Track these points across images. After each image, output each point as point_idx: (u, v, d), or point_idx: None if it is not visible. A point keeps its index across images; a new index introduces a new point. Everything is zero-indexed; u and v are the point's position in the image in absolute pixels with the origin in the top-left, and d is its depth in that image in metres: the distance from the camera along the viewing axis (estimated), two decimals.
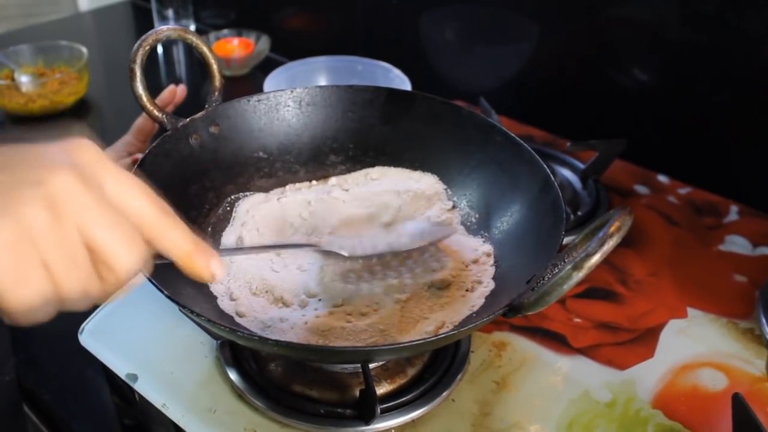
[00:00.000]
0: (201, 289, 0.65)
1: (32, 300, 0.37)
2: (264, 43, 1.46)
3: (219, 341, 0.66)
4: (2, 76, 1.30)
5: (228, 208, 0.74)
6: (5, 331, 0.74)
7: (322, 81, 1.22)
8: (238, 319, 0.62)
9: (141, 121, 0.95)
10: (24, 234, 0.35)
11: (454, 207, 0.75)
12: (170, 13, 1.57)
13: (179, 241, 0.42)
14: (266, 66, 1.37)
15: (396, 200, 0.75)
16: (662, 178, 0.98)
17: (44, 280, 0.37)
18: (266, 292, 0.65)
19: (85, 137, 0.40)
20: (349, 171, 0.79)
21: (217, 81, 0.74)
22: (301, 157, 0.79)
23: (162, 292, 0.51)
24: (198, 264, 0.43)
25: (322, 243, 0.66)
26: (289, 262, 0.69)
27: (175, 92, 0.95)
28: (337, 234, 0.72)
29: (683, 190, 0.96)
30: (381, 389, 0.63)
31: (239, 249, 0.61)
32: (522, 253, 0.64)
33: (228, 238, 0.71)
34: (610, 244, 0.48)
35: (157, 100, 0.91)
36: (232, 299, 0.64)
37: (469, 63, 1.25)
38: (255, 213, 0.74)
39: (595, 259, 0.48)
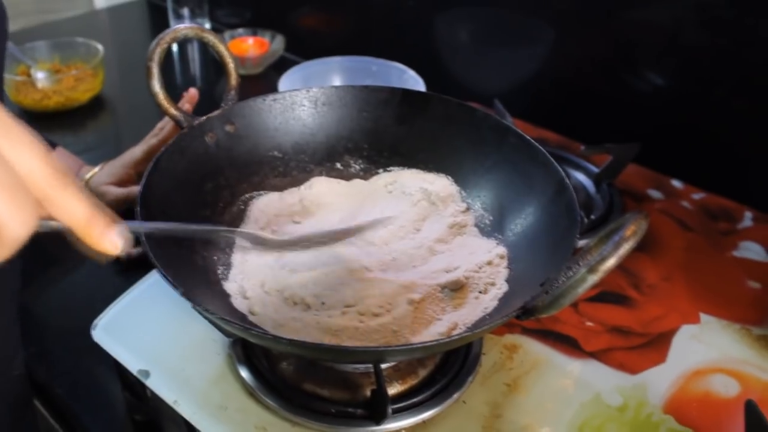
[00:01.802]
0: (214, 287, 0.65)
1: None
2: (279, 43, 1.47)
3: (231, 339, 0.66)
4: (18, 72, 1.31)
5: (242, 207, 0.74)
6: (15, 326, 0.74)
7: (337, 81, 1.22)
8: (250, 318, 0.62)
9: (155, 143, 0.98)
10: None
11: (468, 209, 0.75)
12: (186, 11, 1.57)
13: (74, 207, 0.38)
14: (281, 65, 1.38)
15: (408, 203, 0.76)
16: (676, 183, 0.98)
17: None
18: (279, 291, 0.65)
19: None
20: (363, 171, 0.80)
21: (233, 80, 0.74)
22: (315, 156, 0.79)
23: (176, 289, 0.51)
24: (94, 233, 0.39)
25: (242, 229, 0.67)
26: (301, 262, 0.69)
27: (194, 96, 0.98)
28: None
29: (697, 195, 0.95)
30: (392, 390, 0.63)
31: (148, 224, 0.56)
32: (536, 255, 0.64)
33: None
34: (625, 248, 0.47)
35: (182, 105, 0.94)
36: (245, 298, 0.64)
37: (483, 65, 1.25)
38: (269, 212, 0.74)
39: (611, 262, 0.47)
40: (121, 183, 0.97)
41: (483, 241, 0.71)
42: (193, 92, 0.98)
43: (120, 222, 0.40)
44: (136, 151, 0.98)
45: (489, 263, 0.67)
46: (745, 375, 0.69)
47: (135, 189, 0.95)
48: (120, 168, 0.97)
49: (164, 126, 0.99)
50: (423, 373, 0.65)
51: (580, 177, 0.98)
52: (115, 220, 0.40)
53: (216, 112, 0.72)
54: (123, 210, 0.95)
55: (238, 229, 0.65)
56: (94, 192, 0.95)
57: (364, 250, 0.70)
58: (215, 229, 0.66)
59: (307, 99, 0.77)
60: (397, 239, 0.72)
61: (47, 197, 0.37)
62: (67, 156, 1.00)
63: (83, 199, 0.38)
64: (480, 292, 0.65)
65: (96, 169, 0.98)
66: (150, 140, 0.98)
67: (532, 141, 0.69)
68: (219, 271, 0.67)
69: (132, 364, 0.66)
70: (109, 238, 0.39)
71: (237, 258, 0.69)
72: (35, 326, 0.82)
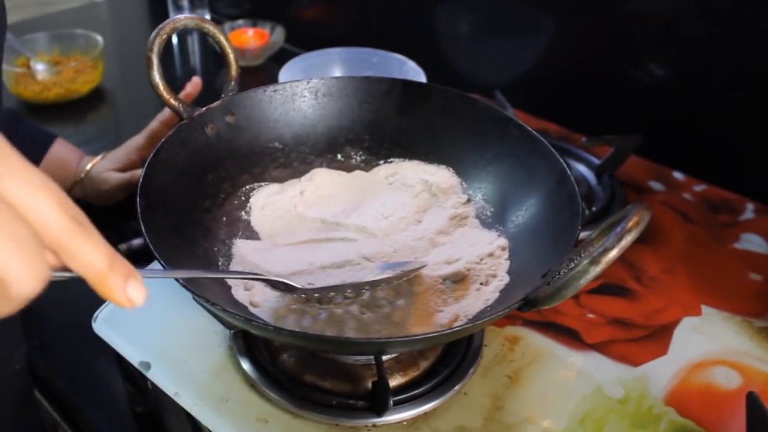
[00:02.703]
0: (216, 278, 0.65)
1: None
2: (279, 34, 1.46)
3: (232, 331, 0.66)
4: (18, 64, 1.31)
5: (243, 198, 0.74)
6: (16, 320, 0.74)
7: (337, 72, 1.22)
8: (252, 309, 0.62)
9: (157, 126, 0.97)
10: None
11: (469, 200, 0.75)
12: (185, 2, 1.57)
13: (91, 257, 0.34)
14: (281, 57, 1.37)
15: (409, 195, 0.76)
16: (678, 175, 0.98)
17: None
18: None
19: None
20: (364, 162, 0.79)
21: (234, 71, 0.74)
22: (316, 147, 0.79)
23: (177, 280, 0.51)
24: (112, 286, 0.35)
25: (273, 274, 0.62)
26: (302, 255, 0.69)
27: (198, 84, 0.97)
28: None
29: (699, 187, 0.95)
30: (393, 381, 0.63)
31: (166, 273, 0.52)
32: (537, 247, 0.64)
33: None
34: (628, 239, 0.47)
35: (183, 95, 0.93)
36: (246, 289, 0.64)
37: (484, 56, 1.24)
38: (268, 204, 0.74)
39: (613, 253, 0.47)
40: (125, 170, 0.96)
41: (484, 232, 0.71)
42: (196, 80, 0.97)
43: (137, 274, 0.36)
44: (139, 138, 0.98)
45: (490, 255, 0.67)
46: (746, 367, 0.69)
47: (137, 172, 0.94)
48: (123, 155, 0.97)
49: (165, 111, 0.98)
50: (424, 364, 0.65)
51: (582, 168, 0.98)
52: (133, 273, 0.36)
53: (216, 103, 0.72)
54: (126, 195, 0.95)
55: (270, 277, 0.59)
56: (96, 179, 0.95)
57: (365, 242, 0.70)
58: (245, 277, 0.63)
59: (307, 90, 0.77)
60: (398, 231, 0.72)
61: (62, 247, 0.33)
62: (67, 147, 0.99)
63: (102, 250, 0.34)
64: (481, 284, 0.64)
65: (97, 158, 0.97)
66: (152, 125, 0.97)
67: (534, 132, 0.69)
68: (220, 263, 0.67)
69: (133, 356, 0.66)
70: (126, 293, 0.36)
71: (238, 249, 0.69)
72: (36, 319, 0.82)
